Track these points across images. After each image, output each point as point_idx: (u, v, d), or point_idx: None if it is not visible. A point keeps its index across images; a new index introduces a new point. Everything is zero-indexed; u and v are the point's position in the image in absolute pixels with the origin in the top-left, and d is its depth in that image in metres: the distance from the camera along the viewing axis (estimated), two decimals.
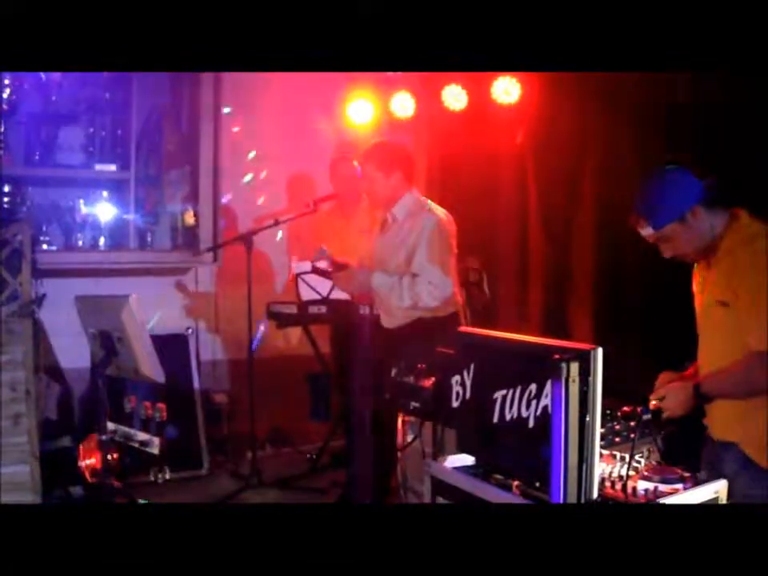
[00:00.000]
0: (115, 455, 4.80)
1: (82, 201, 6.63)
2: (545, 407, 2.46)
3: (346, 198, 6.17)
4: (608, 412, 3.08)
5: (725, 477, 2.80)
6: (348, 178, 6.09)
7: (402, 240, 4.67)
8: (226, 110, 6.78)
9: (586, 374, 2.33)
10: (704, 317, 3.18)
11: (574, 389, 2.31)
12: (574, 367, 2.30)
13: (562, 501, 2.35)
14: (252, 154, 6.80)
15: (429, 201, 4.83)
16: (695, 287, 3.30)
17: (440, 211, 4.76)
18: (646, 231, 3.12)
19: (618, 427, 3.14)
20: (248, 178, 6.84)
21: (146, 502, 4.65)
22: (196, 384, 6.35)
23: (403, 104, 6.80)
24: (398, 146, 4.91)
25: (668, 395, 3.02)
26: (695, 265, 3.31)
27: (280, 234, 6.88)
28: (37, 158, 6.48)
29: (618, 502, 2.49)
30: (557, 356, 2.32)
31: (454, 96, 6.40)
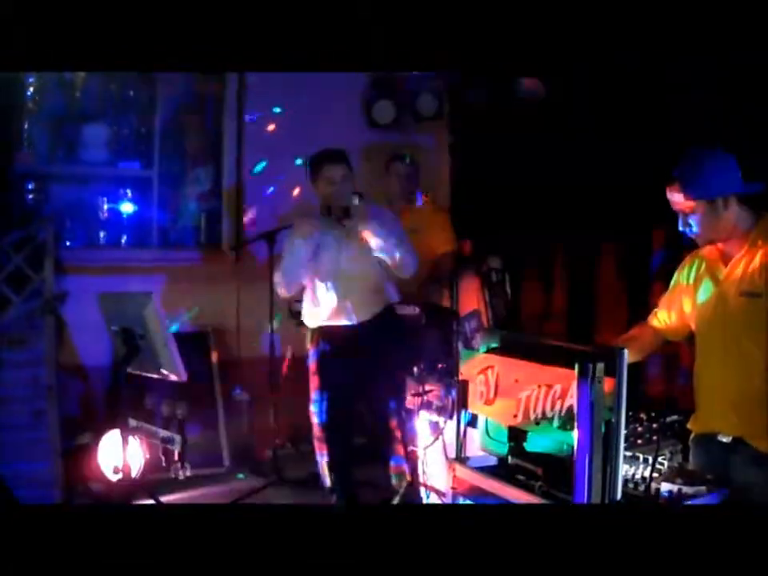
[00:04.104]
0: (137, 452, 4.82)
1: (105, 198, 6.65)
2: (570, 407, 2.44)
3: (400, 197, 6.20)
4: (630, 414, 3.06)
5: (731, 478, 2.78)
6: (403, 176, 6.15)
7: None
8: (250, 108, 6.78)
9: (611, 374, 2.31)
10: (724, 308, 3.18)
11: (600, 389, 2.29)
12: (600, 368, 2.29)
13: (585, 502, 2.33)
14: (276, 153, 6.78)
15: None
16: (698, 282, 3.32)
17: None
18: (675, 196, 3.15)
19: (640, 429, 3.13)
20: (272, 175, 6.83)
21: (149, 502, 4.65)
22: (217, 382, 6.36)
23: (427, 103, 6.77)
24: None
25: None
26: (694, 261, 3.37)
27: None
28: (60, 155, 6.51)
29: (642, 503, 2.47)
30: (583, 356, 2.30)
31: (477, 94, 6.37)
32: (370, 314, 4.91)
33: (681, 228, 3.20)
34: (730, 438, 3.15)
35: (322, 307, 4.98)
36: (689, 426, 3.33)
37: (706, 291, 3.27)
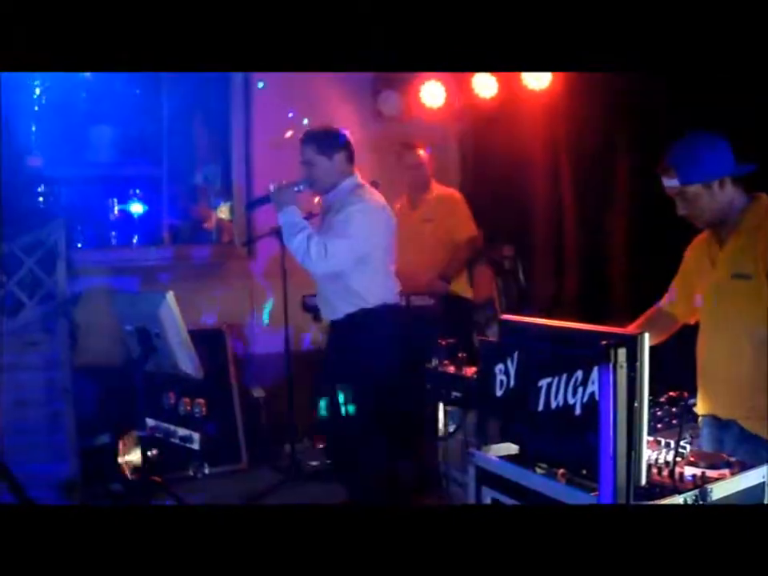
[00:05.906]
0: (155, 451, 4.83)
1: (115, 199, 6.67)
2: (592, 394, 2.43)
3: (413, 187, 6.18)
4: (650, 398, 3.05)
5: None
6: (415, 166, 6.12)
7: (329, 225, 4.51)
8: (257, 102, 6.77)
9: (633, 359, 2.30)
10: (718, 289, 3.22)
11: (622, 374, 2.28)
12: (622, 353, 2.27)
13: (611, 488, 2.31)
14: (284, 146, 6.77)
15: (367, 186, 4.67)
16: (700, 264, 3.35)
17: (376, 198, 4.64)
18: (671, 182, 3.17)
19: (660, 413, 3.12)
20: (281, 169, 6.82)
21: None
22: (233, 379, 6.36)
23: (433, 93, 6.73)
24: (337, 130, 4.66)
25: None
26: (699, 244, 3.40)
27: None
28: (69, 157, 6.52)
29: (666, 487, 2.46)
30: (604, 342, 2.29)
31: (485, 83, 6.34)
32: (334, 313, 4.68)
33: (678, 212, 3.22)
34: (724, 419, 3.20)
35: None
36: (695, 409, 3.35)
37: (705, 274, 3.30)
